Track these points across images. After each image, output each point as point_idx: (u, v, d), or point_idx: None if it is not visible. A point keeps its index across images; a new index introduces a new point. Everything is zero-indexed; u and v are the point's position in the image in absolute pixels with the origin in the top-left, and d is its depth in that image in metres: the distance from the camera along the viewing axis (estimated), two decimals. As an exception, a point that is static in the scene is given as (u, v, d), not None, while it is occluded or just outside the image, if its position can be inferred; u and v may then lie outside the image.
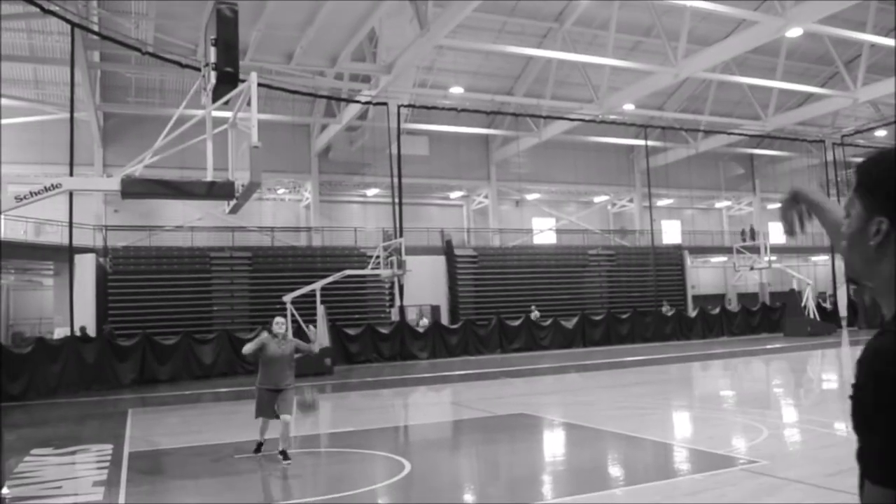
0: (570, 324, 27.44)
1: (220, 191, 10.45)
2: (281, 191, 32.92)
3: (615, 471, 8.38)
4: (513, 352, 25.32)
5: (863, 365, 1.29)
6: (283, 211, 33.08)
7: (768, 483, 6.95)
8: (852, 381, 1.32)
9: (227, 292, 25.24)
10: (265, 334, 9.01)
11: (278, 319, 9.08)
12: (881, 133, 35.82)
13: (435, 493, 7.54)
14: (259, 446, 8.89)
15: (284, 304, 20.00)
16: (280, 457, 8.33)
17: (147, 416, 13.86)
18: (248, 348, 8.92)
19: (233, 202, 11.03)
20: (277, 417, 8.51)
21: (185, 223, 27.58)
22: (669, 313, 29.19)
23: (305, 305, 20.96)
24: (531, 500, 6.84)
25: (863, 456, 1.29)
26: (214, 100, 10.25)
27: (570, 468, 8.70)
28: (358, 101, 26.21)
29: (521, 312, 27.44)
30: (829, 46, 26.41)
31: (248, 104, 10.20)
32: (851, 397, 1.32)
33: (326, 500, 7.07)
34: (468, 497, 7.48)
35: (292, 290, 20.71)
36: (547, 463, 9.04)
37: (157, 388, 18.03)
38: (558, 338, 26.83)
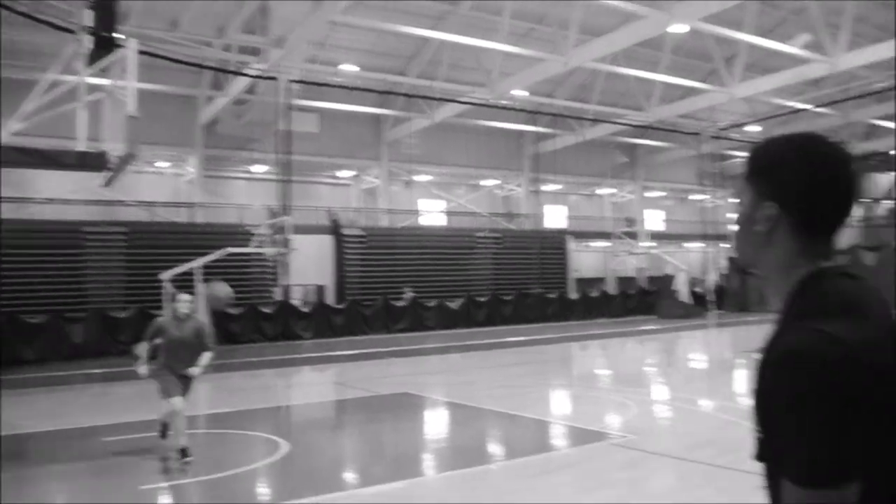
0: (455, 305, 27.76)
1: (92, 162, 9.93)
2: (162, 164, 31.64)
3: (493, 447, 8.56)
4: (398, 332, 25.38)
5: (779, 365, 1.27)
6: (163, 185, 31.78)
7: (634, 456, 7.27)
8: (758, 379, 1.29)
9: (102, 269, 24.06)
10: (167, 316, 8.15)
11: (183, 296, 8.13)
12: (753, 128, 37.82)
13: (312, 472, 7.48)
14: (164, 428, 7.96)
15: (162, 282, 19.30)
16: (179, 455, 7.34)
17: (10, 398, 13.09)
18: (140, 349, 7.84)
19: (107, 174, 10.53)
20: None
21: (57, 196, 26.10)
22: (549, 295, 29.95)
23: (185, 284, 20.25)
24: (409, 476, 6.90)
25: (770, 449, 1.30)
26: (89, 65, 9.74)
27: (450, 446, 8.82)
28: (246, 75, 25.43)
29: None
30: (710, 44, 27.57)
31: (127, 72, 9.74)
32: (757, 396, 1.30)
33: (199, 481, 6.89)
34: (346, 475, 7.46)
35: (172, 267, 20.00)
36: (427, 441, 9.13)
37: (22, 370, 17.04)
38: (443, 319, 27.08)
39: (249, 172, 33.49)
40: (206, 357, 7.85)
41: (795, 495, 1.22)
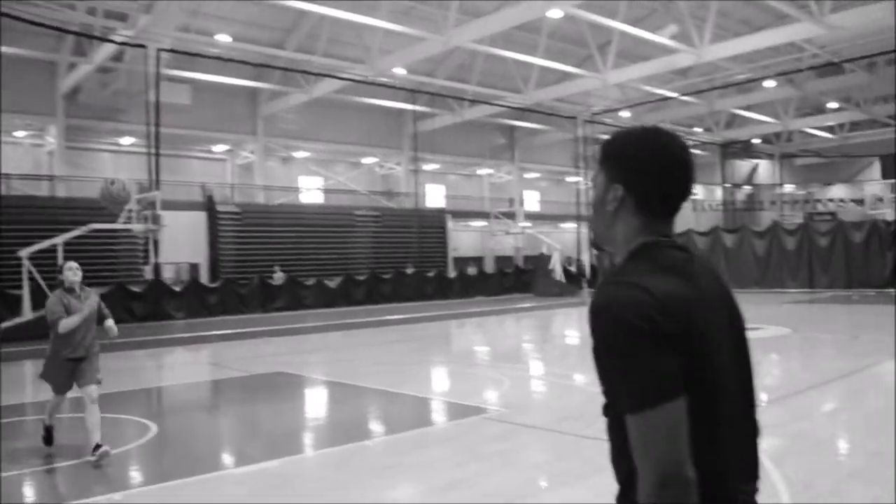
0: (333, 283, 27.55)
1: None
2: (19, 134, 29.60)
3: (370, 424, 8.58)
4: (275, 311, 24.96)
5: (592, 315, 1.50)
6: (21, 156, 29.78)
7: (507, 429, 7.48)
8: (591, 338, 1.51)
9: (-49, 245, 22.36)
10: (57, 292, 6.95)
11: (71, 264, 7.04)
12: (625, 114, 39.30)
13: (180, 453, 7.29)
14: (49, 432, 7.09)
15: (20, 260, 18.17)
16: (92, 456, 6.40)
17: None
18: (66, 322, 6.67)
19: None
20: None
21: None
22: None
23: (46, 262, 19.11)
24: (283, 455, 6.83)
25: (610, 398, 1.52)
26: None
27: (326, 423, 8.79)
28: (112, 41, 24.10)
29: (287, 271, 27.11)
30: (585, 30, 28.33)
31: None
32: (592, 353, 1.52)
33: (61, 466, 6.57)
34: (216, 456, 7.30)
35: (32, 244, 18.83)
36: (302, 419, 9.05)
37: None
38: (322, 297, 26.82)
39: (117, 145, 31.85)
40: (110, 321, 7.16)
41: (636, 423, 1.42)
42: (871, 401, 8.57)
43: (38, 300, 18.75)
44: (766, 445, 6.30)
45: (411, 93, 32.47)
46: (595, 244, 1.82)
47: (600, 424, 1.61)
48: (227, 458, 7.20)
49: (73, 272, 6.92)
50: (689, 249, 1.67)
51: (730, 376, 1.57)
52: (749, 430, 1.64)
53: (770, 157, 51.33)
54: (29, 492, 5.96)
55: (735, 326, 1.65)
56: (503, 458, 6.38)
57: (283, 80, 31.45)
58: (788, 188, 52.20)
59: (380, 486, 5.71)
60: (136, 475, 6.48)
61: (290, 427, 8.39)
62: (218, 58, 25.90)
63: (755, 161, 51.75)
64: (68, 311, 6.71)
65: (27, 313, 18.27)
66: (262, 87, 32.28)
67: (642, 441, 1.42)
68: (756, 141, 48.37)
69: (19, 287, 18.75)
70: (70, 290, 6.88)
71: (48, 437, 7.09)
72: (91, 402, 6.67)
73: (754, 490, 1.62)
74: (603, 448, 1.74)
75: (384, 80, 30.53)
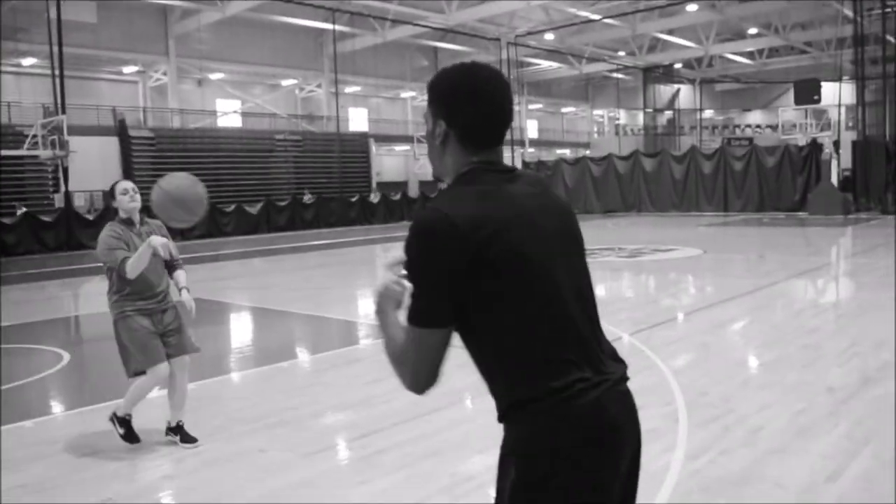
0: (254, 209, 27.12)
1: None
2: None
3: (290, 347, 8.64)
4: (194, 239, 24.48)
5: (407, 238, 1.64)
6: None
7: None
8: None
9: None
10: (113, 225, 4.78)
11: (126, 185, 4.82)
12: (549, 36, 39.09)
13: (94, 381, 7.23)
14: (127, 424, 4.98)
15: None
16: (176, 437, 4.89)
17: None
18: (132, 263, 4.53)
19: None
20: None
21: None
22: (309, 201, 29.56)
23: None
24: (199, 378, 6.83)
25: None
26: None
27: (244, 347, 8.80)
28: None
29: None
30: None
31: None
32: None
33: None
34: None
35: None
36: (221, 344, 9.02)
37: None
38: (242, 224, 26.43)
39: (18, 66, 30.10)
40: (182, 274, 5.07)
41: (409, 333, 1.67)
42: (772, 316, 9.03)
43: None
44: (668, 357, 6.66)
45: (331, 11, 31.53)
46: (435, 176, 1.91)
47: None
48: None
49: (128, 197, 4.78)
50: (514, 171, 1.79)
51: (558, 282, 1.69)
52: (595, 327, 1.77)
53: (691, 82, 52.14)
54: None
55: (566, 236, 1.79)
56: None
57: (194, -3, 30.10)
58: (708, 113, 53.30)
59: (297, 404, 5.79)
60: (46, 403, 6.40)
61: (207, 351, 8.37)
62: (123, -28, 24.54)
63: (676, 86, 52.51)
64: (130, 249, 4.69)
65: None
66: (172, 4, 30.82)
67: (405, 347, 1.69)
68: (678, 66, 48.99)
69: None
70: (126, 222, 4.84)
71: (129, 431, 4.97)
72: (182, 377, 5.03)
73: (607, 374, 1.71)
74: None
75: (302, -2, 29.52)
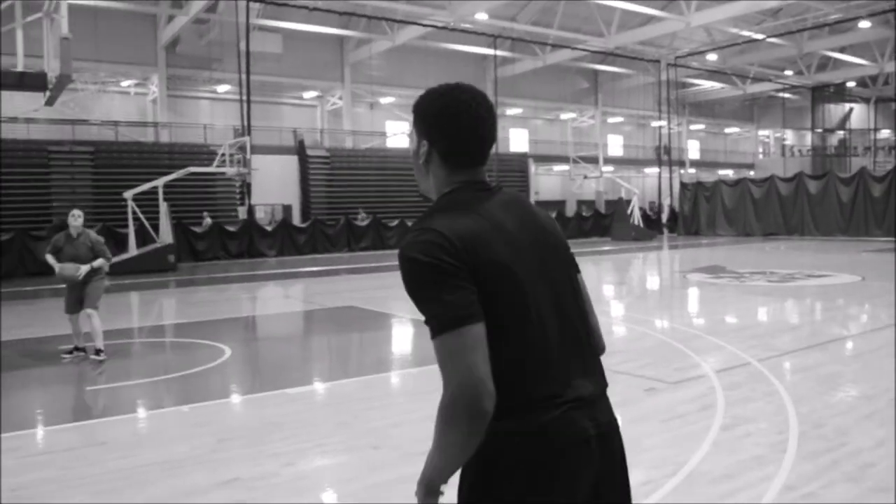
0: (415, 225, 28.58)
1: (31, 82, 10.36)
2: (126, 83, 31.66)
3: (421, 355, 9.44)
4: (360, 251, 26.31)
5: (400, 260, 1.65)
6: (128, 105, 31.90)
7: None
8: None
9: (68, 188, 24.50)
10: (60, 234, 8.27)
11: (74, 212, 8.24)
12: (712, 57, 38.38)
13: (248, 373, 8.29)
14: (74, 349, 8.44)
15: (126, 200, 19.92)
16: (94, 355, 8.16)
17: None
18: (53, 263, 8.08)
19: (47, 94, 10.89)
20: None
21: (20, 115, 26.19)
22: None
23: (148, 202, 20.89)
24: (333, 379, 7.79)
25: (427, 326, 1.61)
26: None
27: (376, 352, 9.73)
28: (206, -7, 25.46)
29: (372, 213, 28.32)
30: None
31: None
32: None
33: (138, 383, 7.51)
34: (277, 376, 8.34)
35: (137, 186, 20.58)
36: (353, 349, 9.94)
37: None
38: (405, 238, 27.92)
39: (214, 92, 33.60)
40: (98, 261, 8.14)
41: (437, 346, 1.58)
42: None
43: (142, 238, 20.60)
44: (792, 385, 6.51)
45: (493, 38, 32.79)
46: (422, 194, 1.96)
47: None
48: (285, 378, 7.75)
49: (73, 218, 8.14)
50: (496, 188, 1.81)
51: (537, 299, 1.69)
52: (573, 340, 1.76)
53: (865, 101, 49.03)
54: (125, 400, 7.17)
55: (546, 250, 1.80)
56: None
57: (368, 28, 32.30)
58: (884, 134, 49.83)
59: (412, 409, 6.22)
60: (205, 391, 7.23)
61: (342, 355, 9.39)
62: (304, 7, 26.90)
63: (849, 105, 49.53)
64: (58, 252, 8.07)
65: (132, 249, 20.09)
66: (348, 35, 33.24)
67: (442, 361, 1.56)
68: (850, 84, 46.30)
69: (125, 226, 20.55)
70: (69, 235, 8.13)
71: (72, 351, 8.44)
72: (87, 319, 8.17)
73: (584, 393, 1.72)
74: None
75: (466, 25, 30.93)
